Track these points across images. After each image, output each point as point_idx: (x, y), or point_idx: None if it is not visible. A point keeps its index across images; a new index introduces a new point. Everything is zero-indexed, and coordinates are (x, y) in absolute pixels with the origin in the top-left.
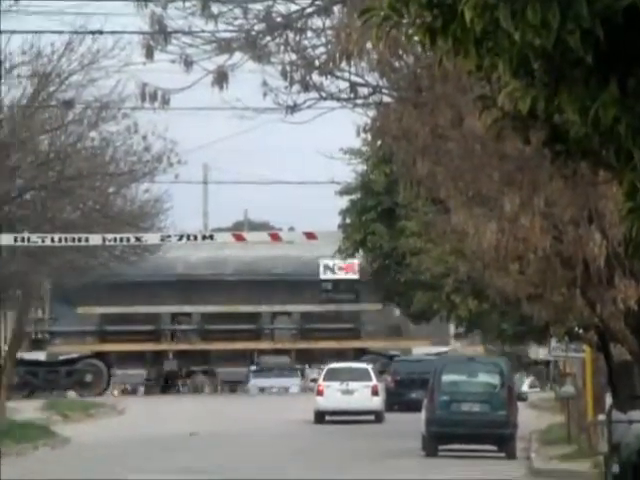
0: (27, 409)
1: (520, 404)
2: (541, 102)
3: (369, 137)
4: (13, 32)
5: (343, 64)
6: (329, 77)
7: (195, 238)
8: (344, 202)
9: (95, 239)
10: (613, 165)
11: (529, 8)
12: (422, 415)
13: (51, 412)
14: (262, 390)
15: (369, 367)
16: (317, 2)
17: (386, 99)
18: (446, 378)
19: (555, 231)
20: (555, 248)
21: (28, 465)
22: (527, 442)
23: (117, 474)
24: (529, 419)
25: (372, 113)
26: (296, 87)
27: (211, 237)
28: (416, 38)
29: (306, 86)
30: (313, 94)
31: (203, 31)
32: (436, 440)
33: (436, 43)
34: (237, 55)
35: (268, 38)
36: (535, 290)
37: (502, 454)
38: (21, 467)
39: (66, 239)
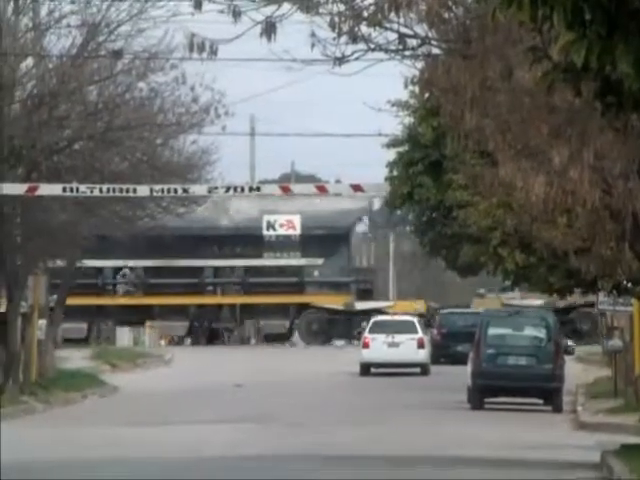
0: (76, 358)
1: (567, 357)
2: (595, 54)
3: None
4: None
5: (392, 15)
6: (377, 28)
7: (242, 190)
8: (391, 155)
9: (143, 190)
10: None
11: None
12: (468, 368)
13: (99, 361)
14: (308, 343)
15: (415, 319)
16: None
17: (435, 51)
18: (492, 331)
19: (604, 184)
20: (604, 201)
21: (77, 413)
22: (573, 396)
23: (163, 422)
24: (576, 373)
25: (420, 65)
26: (344, 38)
27: (258, 189)
28: None
29: (354, 37)
30: (361, 45)
31: None
32: (482, 393)
33: None
34: (285, 6)
35: None
36: (583, 243)
37: (548, 407)
38: (71, 415)
39: (114, 190)
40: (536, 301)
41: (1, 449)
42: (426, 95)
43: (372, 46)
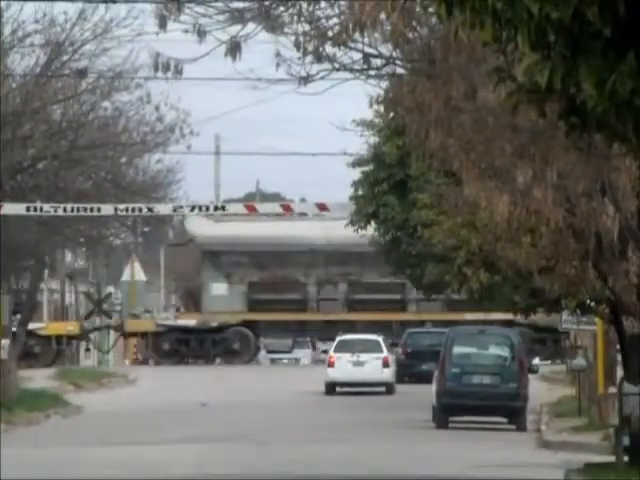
0: (39, 377)
1: (531, 376)
2: (558, 75)
3: (382, 109)
4: (26, 0)
5: (356, 35)
6: (342, 48)
7: (207, 209)
8: (356, 174)
9: (107, 209)
10: (629, 138)
11: None
12: (433, 387)
13: (63, 381)
14: (273, 361)
15: (380, 339)
16: None
17: (399, 70)
18: (457, 350)
19: (568, 204)
20: (568, 221)
21: (40, 434)
22: (537, 414)
23: (128, 441)
24: (540, 391)
25: (385, 85)
26: (309, 58)
27: (223, 208)
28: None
29: (319, 57)
30: (326, 65)
31: (216, 0)
32: (447, 412)
33: (452, 14)
34: (250, 25)
35: (281, 8)
36: (547, 263)
37: (512, 426)
38: (33, 436)
39: (78, 209)
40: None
41: None
42: (391, 114)
43: (337, 66)
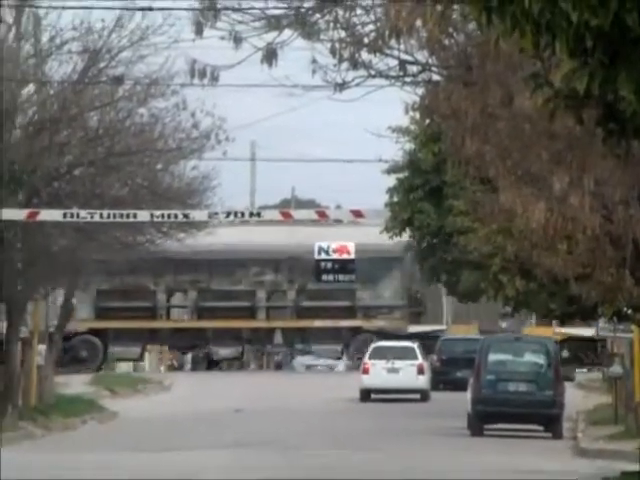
0: (75, 383)
1: (567, 384)
2: (597, 81)
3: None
4: (64, 8)
5: (392, 42)
6: (378, 55)
7: (242, 215)
8: (391, 180)
9: (143, 215)
10: None
11: None
12: (468, 394)
13: (99, 387)
14: (308, 368)
15: (415, 345)
16: None
17: (435, 77)
18: (492, 357)
19: (605, 211)
20: (604, 228)
21: (76, 439)
22: (574, 422)
23: (162, 447)
24: (576, 399)
25: (421, 91)
26: (345, 64)
27: (258, 214)
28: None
29: (355, 64)
30: (362, 72)
31: (253, 8)
32: (482, 419)
33: (492, 22)
34: (286, 32)
35: (317, 15)
36: (584, 270)
37: (548, 434)
38: (70, 441)
39: (114, 215)
40: None
41: (1, 473)
42: (427, 121)
43: (373, 72)
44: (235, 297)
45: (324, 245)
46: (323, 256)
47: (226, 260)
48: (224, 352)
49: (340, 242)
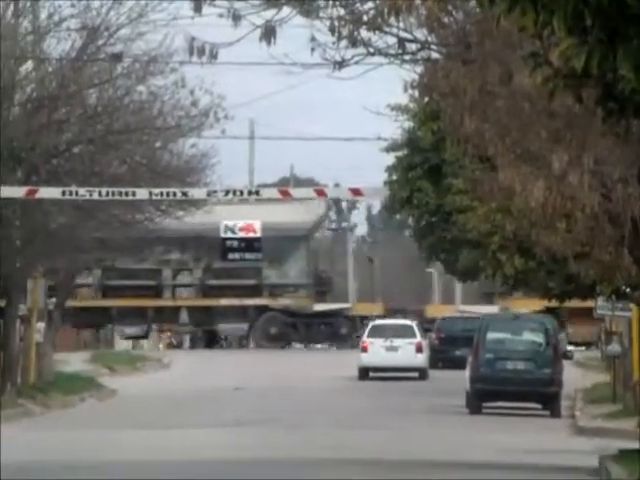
0: (74, 361)
1: (565, 362)
2: (595, 59)
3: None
4: None
5: (391, 19)
6: (377, 32)
7: (241, 193)
8: (390, 159)
9: (142, 193)
10: None
11: None
12: (466, 373)
13: (98, 365)
14: (306, 346)
15: (414, 324)
16: None
17: (434, 55)
18: (491, 336)
19: (603, 189)
20: (603, 206)
21: (75, 416)
22: (572, 400)
23: (162, 425)
24: (574, 377)
25: (420, 69)
26: (344, 42)
27: (257, 192)
28: None
29: (354, 41)
30: (361, 50)
31: None
32: (480, 398)
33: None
34: (285, 9)
35: None
36: (582, 248)
37: (547, 412)
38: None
39: (113, 193)
40: None
41: (0, 451)
42: (426, 99)
43: (372, 50)
44: (140, 276)
45: (230, 223)
46: (229, 234)
47: (131, 238)
48: (129, 331)
49: (246, 220)
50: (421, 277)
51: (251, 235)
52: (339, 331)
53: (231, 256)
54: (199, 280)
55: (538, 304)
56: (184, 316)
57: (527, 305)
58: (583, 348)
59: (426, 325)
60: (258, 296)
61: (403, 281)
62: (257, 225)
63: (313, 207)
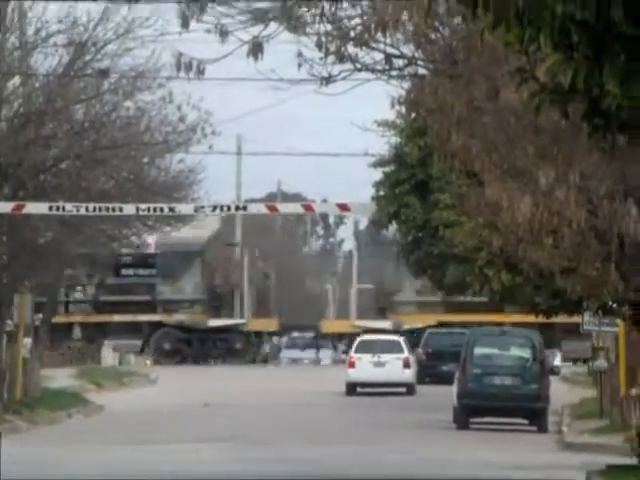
0: (61, 377)
1: (552, 378)
2: (582, 75)
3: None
4: (49, 0)
5: (378, 35)
6: (364, 48)
7: (229, 209)
8: (378, 174)
9: (129, 209)
10: None
11: None
12: (454, 388)
13: (84, 380)
14: (294, 361)
15: (401, 339)
16: None
17: (421, 71)
18: (478, 351)
19: (590, 205)
20: (590, 222)
21: (62, 432)
22: (559, 416)
23: (147, 441)
24: (561, 393)
25: (407, 85)
26: (331, 58)
27: (244, 208)
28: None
29: (341, 57)
30: (348, 65)
31: (239, 0)
32: (467, 413)
33: (477, 15)
34: (272, 25)
35: (304, 8)
36: (569, 264)
37: (534, 428)
38: (56, 434)
39: (100, 208)
40: None
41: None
42: (413, 115)
43: (359, 66)
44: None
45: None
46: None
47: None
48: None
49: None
50: (317, 292)
51: (145, 251)
52: (234, 346)
53: (124, 272)
54: (92, 296)
55: (432, 319)
56: (77, 332)
57: (421, 320)
58: (570, 364)
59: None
60: (152, 312)
61: (297, 297)
62: (152, 240)
63: (208, 222)
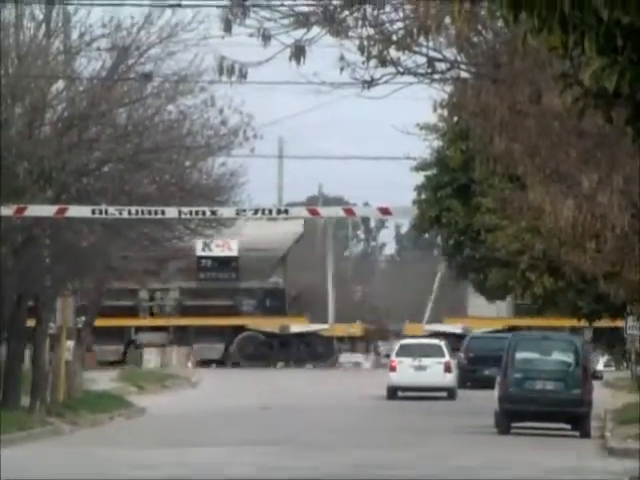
0: (103, 379)
1: (595, 383)
2: (626, 79)
3: (446, 113)
4: (93, 4)
5: (421, 39)
6: (406, 52)
7: (270, 212)
8: (419, 178)
9: (171, 212)
10: None
11: None
12: (495, 392)
13: (126, 383)
14: (355, 365)
15: (442, 343)
16: None
17: (464, 75)
18: (520, 355)
19: (633, 209)
20: (633, 226)
21: (104, 434)
22: (602, 421)
23: (189, 444)
24: (604, 398)
25: (449, 89)
26: (373, 62)
27: (286, 211)
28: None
29: (383, 61)
30: (390, 69)
31: (282, 5)
32: (509, 417)
33: (519, 19)
34: (315, 29)
35: (346, 12)
36: (612, 268)
37: (576, 433)
38: (98, 436)
39: (142, 212)
40: None
41: (30, 468)
42: (455, 119)
43: (401, 70)
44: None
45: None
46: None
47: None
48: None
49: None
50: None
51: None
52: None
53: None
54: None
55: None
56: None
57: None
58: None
59: None
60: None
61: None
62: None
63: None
